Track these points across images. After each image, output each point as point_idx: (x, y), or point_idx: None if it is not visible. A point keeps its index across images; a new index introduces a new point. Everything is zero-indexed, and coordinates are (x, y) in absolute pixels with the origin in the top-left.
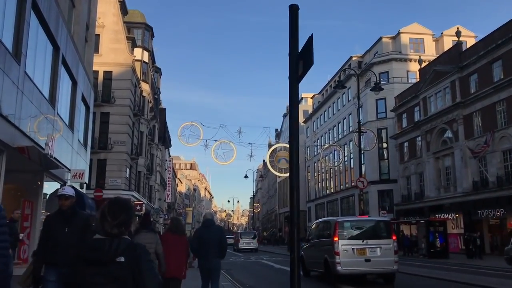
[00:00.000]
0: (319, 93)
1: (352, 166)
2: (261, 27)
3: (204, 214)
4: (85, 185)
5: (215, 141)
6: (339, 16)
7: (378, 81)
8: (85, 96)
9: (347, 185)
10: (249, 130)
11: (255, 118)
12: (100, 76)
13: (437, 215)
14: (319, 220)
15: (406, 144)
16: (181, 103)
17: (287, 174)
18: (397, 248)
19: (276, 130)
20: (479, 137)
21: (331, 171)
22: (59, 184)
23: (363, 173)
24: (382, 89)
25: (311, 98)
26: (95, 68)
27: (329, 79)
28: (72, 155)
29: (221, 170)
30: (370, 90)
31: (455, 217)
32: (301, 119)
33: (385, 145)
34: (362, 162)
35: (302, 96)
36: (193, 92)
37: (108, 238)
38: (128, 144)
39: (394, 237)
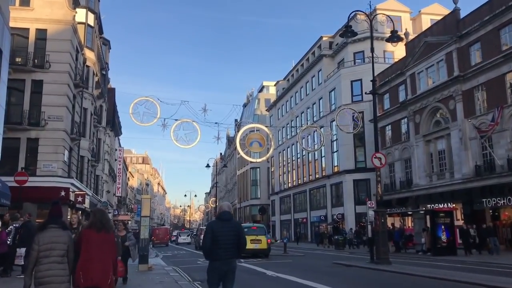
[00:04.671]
0: (284, 78)
1: (323, 155)
2: (218, 24)
3: (220, 206)
4: None
5: (175, 120)
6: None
7: (396, 30)
8: None
9: (317, 176)
10: (216, 108)
11: (212, 114)
12: (32, 35)
13: (428, 206)
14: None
15: (388, 127)
16: (132, 95)
17: (262, 159)
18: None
19: (236, 120)
20: (482, 114)
21: (298, 161)
22: None
23: (335, 163)
24: (401, 39)
25: (275, 85)
26: (24, 25)
27: (294, 64)
28: None
29: (174, 166)
30: (386, 40)
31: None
32: (263, 108)
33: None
34: (334, 150)
35: (264, 84)
36: (146, 86)
37: None
38: (67, 121)
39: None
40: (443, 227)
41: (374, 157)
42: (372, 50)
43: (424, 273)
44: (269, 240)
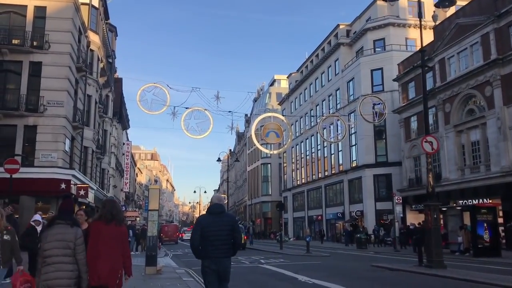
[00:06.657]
0: (298, 70)
1: (340, 149)
2: (227, 22)
3: (211, 198)
4: None
5: (186, 108)
6: None
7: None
8: None
9: (333, 171)
10: (229, 97)
11: (224, 103)
12: (30, 12)
13: (460, 202)
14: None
15: (414, 118)
16: (141, 84)
17: (279, 151)
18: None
19: (246, 115)
20: None
21: (312, 156)
22: None
23: (354, 157)
24: (454, 2)
25: (287, 77)
26: (21, 1)
27: (307, 56)
28: None
29: (183, 164)
30: (435, 5)
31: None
32: (274, 102)
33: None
34: (353, 144)
35: (275, 78)
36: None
37: None
38: (68, 107)
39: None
40: (485, 224)
41: (424, 141)
42: (420, 14)
43: (497, 281)
44: (245, 237)
